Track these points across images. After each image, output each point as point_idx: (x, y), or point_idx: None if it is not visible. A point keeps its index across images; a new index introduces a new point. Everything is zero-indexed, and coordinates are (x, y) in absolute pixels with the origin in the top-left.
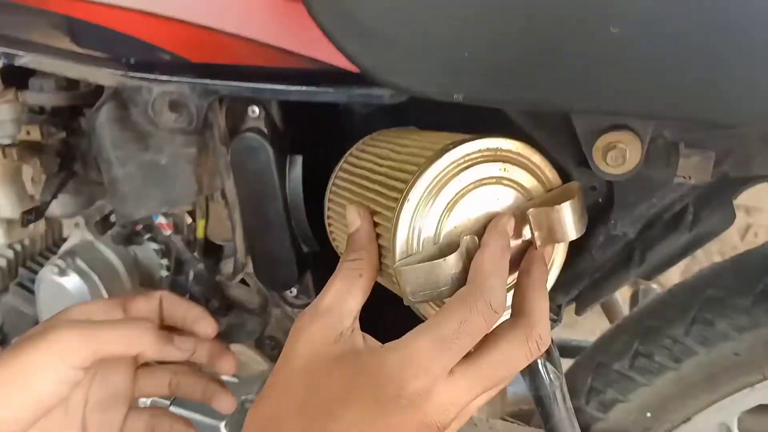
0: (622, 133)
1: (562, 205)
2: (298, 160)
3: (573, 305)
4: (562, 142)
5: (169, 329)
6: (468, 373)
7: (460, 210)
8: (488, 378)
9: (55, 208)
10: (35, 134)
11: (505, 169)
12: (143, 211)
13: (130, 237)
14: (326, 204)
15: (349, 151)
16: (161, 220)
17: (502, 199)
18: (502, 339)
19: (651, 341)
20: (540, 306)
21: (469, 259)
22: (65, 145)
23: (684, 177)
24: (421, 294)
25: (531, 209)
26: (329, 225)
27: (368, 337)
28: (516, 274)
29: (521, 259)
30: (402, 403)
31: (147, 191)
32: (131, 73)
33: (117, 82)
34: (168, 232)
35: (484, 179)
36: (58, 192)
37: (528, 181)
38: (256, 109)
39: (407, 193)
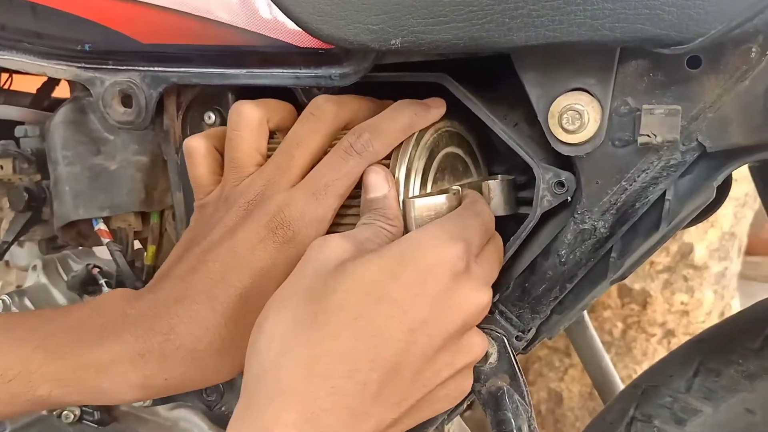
0: (579, 94)
1: (491, 181)
2: None
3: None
4: (525, 137)
5: None
6: (301, 184)
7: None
8: (314, 182)
9: (21, 258)
10: (7, 169)
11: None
12: (82, 212)
13: (85, 284)
14: None
15: None
16: (101, 226)
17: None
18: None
19: (648, 403)
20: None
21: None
22: (37, 186)
23: (648, 135)
24: None
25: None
26: None
27: None
28: None
29: None
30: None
31: (90, 193)
32: (83, 64)
33: (72, 75)
34: (107, 240)
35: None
36: (21, 233)
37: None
38: (212, 115)
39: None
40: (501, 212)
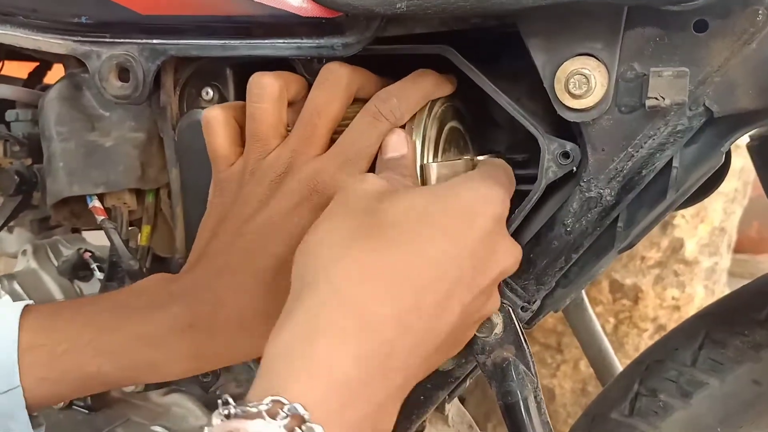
0: (586, 59)
1: (481, 157)
2: None
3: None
4: (528, 112)
5: None
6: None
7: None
8: (347, 149)
9: (10, 245)
10: None
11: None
12: (76, 188)
13: (76, 269)
14: None
15: None
16: (96, 203)
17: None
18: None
19: (653, 377)
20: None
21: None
22: (28, 169)
23: (656, 97)
24: None
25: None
26: None
27: None
28: None
29: None
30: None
31: (84, 170)
32: (80, 38)
33: (68, 49)
34: (101, 218)
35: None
36: (11, 218)
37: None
38: (210, 91)
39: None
40: None
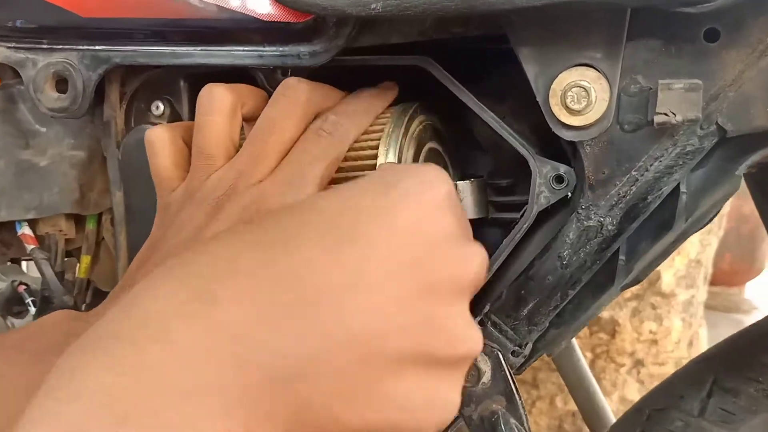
0: (584, 70)
1: (461, 182)
2: None
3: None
4: (514, 131)
5: None
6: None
7: None
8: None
9: None
10: None
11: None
12: (4, 213)
13: (10, 304)
14: None
15: None
16: (25, 230)
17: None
18: None
19: (655, 428)
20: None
21: None
22: None
23: (666, 113)
24: None
25: None
26: None
27: None
28: None
29: None
30: None
31: (14, 193)
32: (14, 44)
33: (1, 57)
34: (31, 247)
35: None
36: None
37: None
38: (161, 105)
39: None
40: (472, 215)
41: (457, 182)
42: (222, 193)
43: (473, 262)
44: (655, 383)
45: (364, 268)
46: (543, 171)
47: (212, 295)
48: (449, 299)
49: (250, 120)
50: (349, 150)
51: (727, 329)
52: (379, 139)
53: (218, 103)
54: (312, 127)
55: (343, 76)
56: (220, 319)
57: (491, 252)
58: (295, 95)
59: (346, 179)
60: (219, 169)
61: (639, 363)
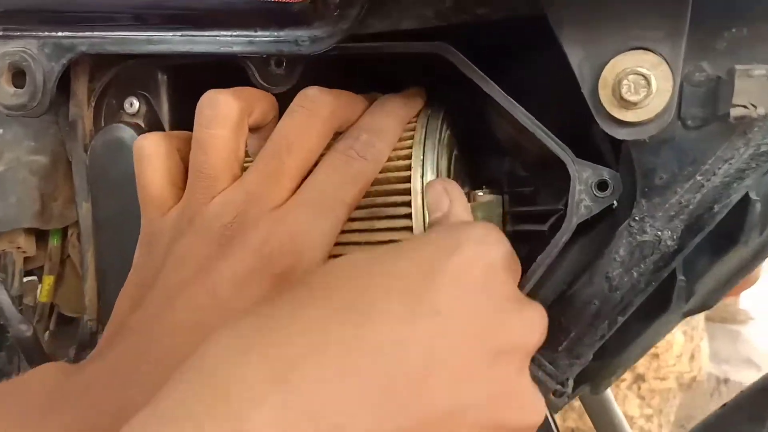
0: (642, 55)
1: (483, 192)
2: None
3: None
4: (558, 126)
5: None
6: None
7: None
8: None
9: None
10: None
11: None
12: None
13: None
14: None
15: None
16: None
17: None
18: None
19: None
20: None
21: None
22: None
23: (745, 106)
24: None
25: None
26: None
27: None
28: None
29: None
30: None
31: None
32: None
33: None
34: None
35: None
36: None
37: None
38: (135, 102)
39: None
40: None
41: (478, 192)
42: (230, 220)
43: (539, 325)
44: (657, 398)
45: (441, 341)
46: (583, 176)
47: (299, 373)
48: (518, 366)
49: (255, 130)
50: None
51: (724, 341)
52: (410, 148)
53: (223, 114)
54: (340, 146)
55: (342, 67)
56: (306, 403)
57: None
58: (316, 108)
59: (376, 195)
60: (223, 191)
61: (640, 378)
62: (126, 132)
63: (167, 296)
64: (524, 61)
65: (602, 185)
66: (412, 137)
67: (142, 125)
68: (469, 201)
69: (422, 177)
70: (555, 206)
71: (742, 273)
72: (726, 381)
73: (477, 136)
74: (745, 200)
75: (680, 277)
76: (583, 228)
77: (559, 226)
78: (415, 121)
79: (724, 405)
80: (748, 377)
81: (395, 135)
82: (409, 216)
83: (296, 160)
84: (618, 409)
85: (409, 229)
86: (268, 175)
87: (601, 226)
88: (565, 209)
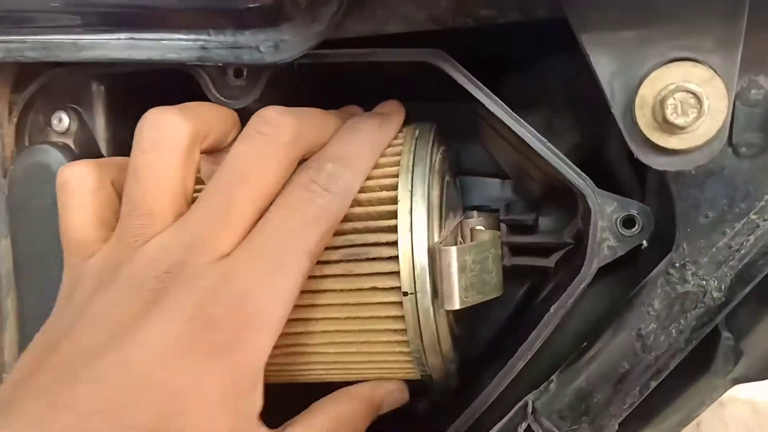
0: (689, 67)
1: (476, 219)
2: None
3: None
4: (576, 154)
5: None
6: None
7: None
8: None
9: None
10: None
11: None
12: None
13: None
14: None
15: None
16: None
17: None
18: None
19: None
20: None
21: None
22: None
23: None
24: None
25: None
26: None
27: None
28: None
29: None
30: None
31: None
32: None
33: None
34: None
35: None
36: None
37: None
38: (64, 117)
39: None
40: (451, 305)
41: (469, 220)
42: (164, 270)
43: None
44: None
45: None
46: (606, 210)
47: None
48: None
49: (211, 153)
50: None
51: None
52: (395, 176)
53: (168, 136)
54: (301, 179)
55: (317, 79)
56: None
57: (511, 311)
58: (276, 133)
59: (354, 232)
60: (162, 232)
61: None
62: (52, 155)
63: (72, 364)
64: (525, 71)
65: (629, 222)
66: (397, 163)
67: (73, 147)
68: (462, 233)
69: (411, 212)
70: (560, 238)
71: None
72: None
73: (470, 156)
74: None
75: (725, 334)
76: (604, 270)
77: (570, 264)
78: (401, 144)
79: None
80: None
81: (367, 163)
82: (395, 258)
83: (250, 196)
84: None
85: (396, 274)
86: (215, 215)
87: (624, 269)
88: (574, 243)
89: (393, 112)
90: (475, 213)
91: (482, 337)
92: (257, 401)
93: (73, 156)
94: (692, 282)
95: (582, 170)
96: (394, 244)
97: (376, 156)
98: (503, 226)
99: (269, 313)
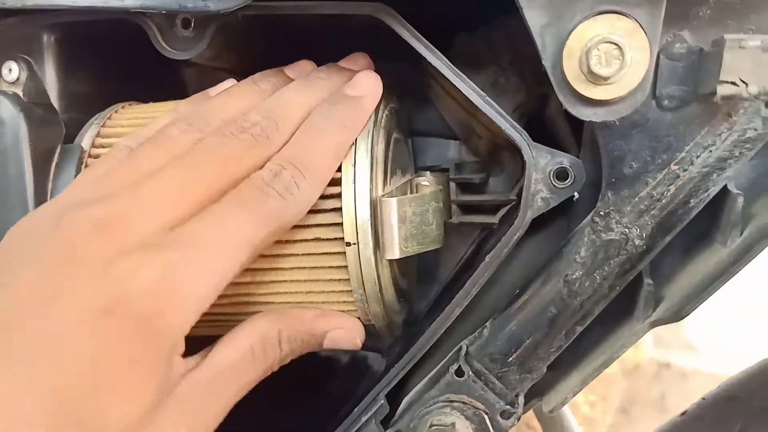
0: (614, 20)
1: (426, 177)
2: (77, 151)
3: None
4: (521, 113)
5: None
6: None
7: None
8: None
9: None
10: None
11: None
12: None
13: None
14: None
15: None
16: None
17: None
18: None
19: None
20: None
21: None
22: None
23: (734, 82)
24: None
25: None
26: None
27: None
28: None
29: None
30: None
31: None
32: None
33: None
34: None
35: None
36: None
37: None
38: (14, 67)
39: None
40: (391, 254)
41: (420, 179)
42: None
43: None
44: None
45: None
46: (540, 163)
47: None
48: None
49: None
50: None
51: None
52: None
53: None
54: (256, 180)
55: (265, 31)
56: None
57: (457, 266)
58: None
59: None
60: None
61: None
62: (2, 104)
63: (5, 325)
64: (473, 33)
65: (562, 174)
66: None
67: (22, 95)
68: (411, 190)
69: (354, 165)
70: (507, 196)
71: (722, 279)
72: (667, 365)
73: (422, 118)
74: (724, 194)
75: (647, 281)
76: (539, 223)
77: (511, 219)
78: None
79: (684, 413)
80: (689, 361)
81: (329, 171)
82: (338, 210)
83: (214, 174)
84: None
85: (339, 225)
86: (176, 186)
87: (559, 221)
88: (518, 200)
89: (366, 94)
90: (427, 173)
91: (432, 294)
92: (177, 367)
93: (23, 105)
94: (616, 230)
95: (527, 130)
96: (338, 196)
97: (338, 160)
98: (453, 185)
99: (190, 297)
